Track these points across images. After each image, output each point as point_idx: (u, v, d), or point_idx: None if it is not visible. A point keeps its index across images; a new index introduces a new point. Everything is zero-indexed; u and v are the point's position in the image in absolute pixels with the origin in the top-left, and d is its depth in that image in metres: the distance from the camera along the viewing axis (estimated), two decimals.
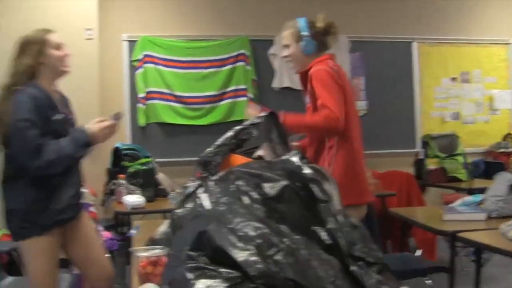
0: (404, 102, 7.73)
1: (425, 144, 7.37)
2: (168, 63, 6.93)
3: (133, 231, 3.38)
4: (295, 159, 1.75)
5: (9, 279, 3.94)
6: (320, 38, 3.63)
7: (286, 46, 3.69)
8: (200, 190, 1.72)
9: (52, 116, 3.13)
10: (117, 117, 3.30)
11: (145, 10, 7.04)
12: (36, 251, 3.11)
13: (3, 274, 3.92)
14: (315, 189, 1.65)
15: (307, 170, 1.69)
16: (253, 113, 3.38)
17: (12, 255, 5.31)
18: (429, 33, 7.86)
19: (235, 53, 7.10)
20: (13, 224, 3.12)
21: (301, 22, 3.64)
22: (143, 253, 2.13)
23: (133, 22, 6.92)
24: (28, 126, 2.96)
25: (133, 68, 6.88)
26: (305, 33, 3.60)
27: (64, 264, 5.74)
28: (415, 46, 7.79)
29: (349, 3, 7.53)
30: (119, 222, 5.60)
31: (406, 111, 7.75)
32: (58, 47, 3.20)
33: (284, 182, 1.68)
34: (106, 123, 3.23)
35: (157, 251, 2.13)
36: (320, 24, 3.63)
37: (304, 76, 3.62)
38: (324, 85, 3.40)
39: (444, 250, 5.78)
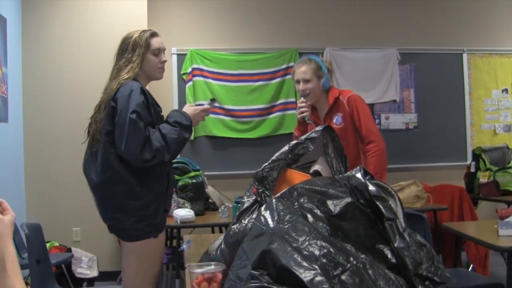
0: (455, 114, 7.61)
1: (476, 157, 7.18)
2: (217, 76, 6.96)
3: (184, 246, 3.36)
4: (359, 175, 1.70)
5: None
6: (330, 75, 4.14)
7: (307, 80, 4.08)
8: (262, 208, 1.68)
9: (158, 112, 3.13)
10: (212, 103, 3.44)
11: (194, 24, 7.10)
12: (146, 253, 3.04)
13: (56, 286, 3.94)
14: (380, 206, 1.60)
15: (372, 187, 1.64)
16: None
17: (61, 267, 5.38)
18: (479, 44, 7.72)
19: (284, 66, 7.09)
20: (127, 224, 2.99)
21: (318, 60, 4.11)
22: (198, 269, 2.09)
23: (182, 35, 6.97)
24: (138, 119, 2.88)
25: (182, 82, 6.94)
26: (325, 70, 4.05)
27: (114, 276, 5.81)
28: (465, 57, 7.66)
29: (398, 16, 7.47)
30: (169, 236, 5.63)
31: (457, 124, 7.63)
32: (157, 52, 3.21)
33: (348, 199, 1.63)
34: (202, 107, 3.29)
35: (212, 267, 2.08)
36: (326, 63, 4.14)
37: (320, 106, 4.21)
38: (367, 112, 4.07)
39: (497, 265, 5.66)
